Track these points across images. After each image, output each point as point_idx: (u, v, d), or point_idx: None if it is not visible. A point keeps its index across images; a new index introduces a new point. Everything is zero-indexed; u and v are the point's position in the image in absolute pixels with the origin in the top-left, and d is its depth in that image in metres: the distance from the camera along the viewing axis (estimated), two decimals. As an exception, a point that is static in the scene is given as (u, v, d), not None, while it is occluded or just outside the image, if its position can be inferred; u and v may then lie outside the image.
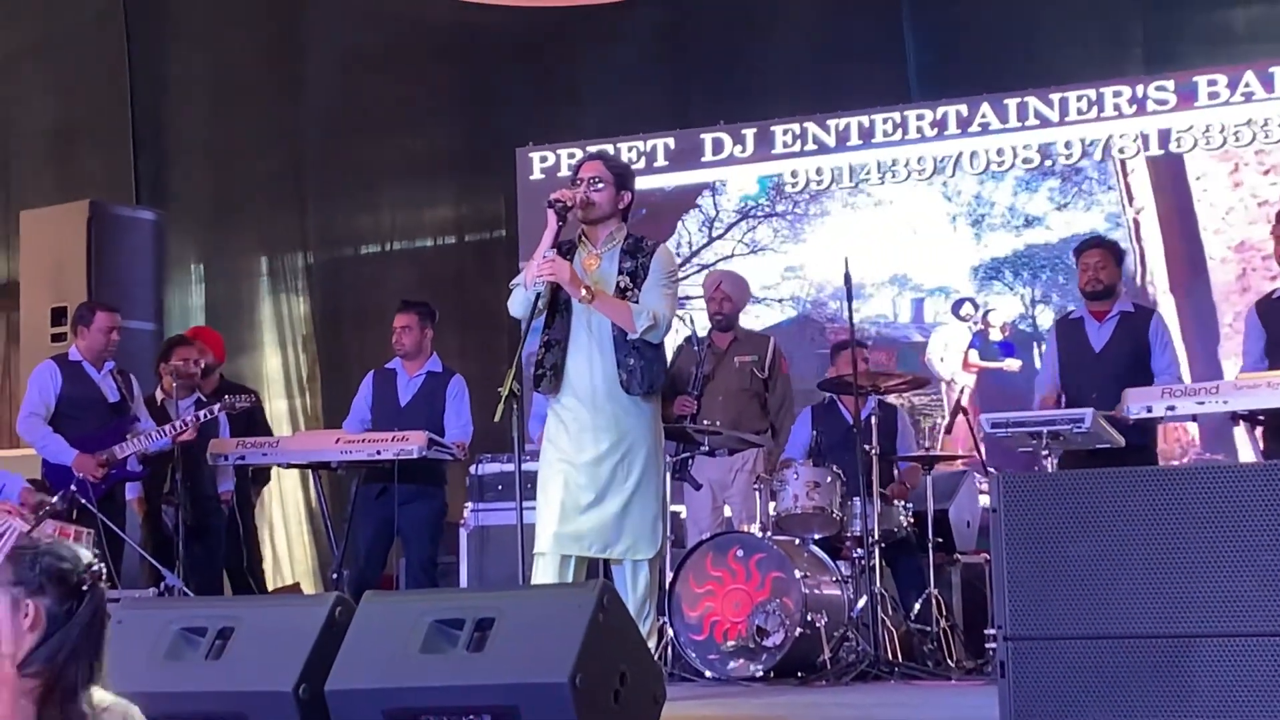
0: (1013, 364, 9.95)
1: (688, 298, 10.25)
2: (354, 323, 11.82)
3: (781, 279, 10.54)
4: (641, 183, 10.54)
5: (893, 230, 10.28)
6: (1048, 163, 9.89)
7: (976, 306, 10.09)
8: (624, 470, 5.67)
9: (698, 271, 10.52)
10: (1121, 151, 9.72)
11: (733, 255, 10.68)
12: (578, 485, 5.65)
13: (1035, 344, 9.74)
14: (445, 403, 7.99)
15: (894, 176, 10.21)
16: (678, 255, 10.66)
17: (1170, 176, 9.70)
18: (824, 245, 10.35)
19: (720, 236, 10.75)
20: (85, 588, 2.77)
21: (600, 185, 5.76)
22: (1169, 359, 7.34)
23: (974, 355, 10.06)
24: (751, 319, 10.36)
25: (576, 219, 5.77)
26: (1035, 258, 9.90)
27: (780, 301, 10.51)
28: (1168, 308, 9.39)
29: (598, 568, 5.99)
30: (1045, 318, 9.73)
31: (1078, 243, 7.94)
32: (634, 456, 5.69)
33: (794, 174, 10.46)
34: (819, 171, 10.39)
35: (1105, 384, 6.98)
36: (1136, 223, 9.76)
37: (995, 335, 10.02)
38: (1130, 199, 9.78)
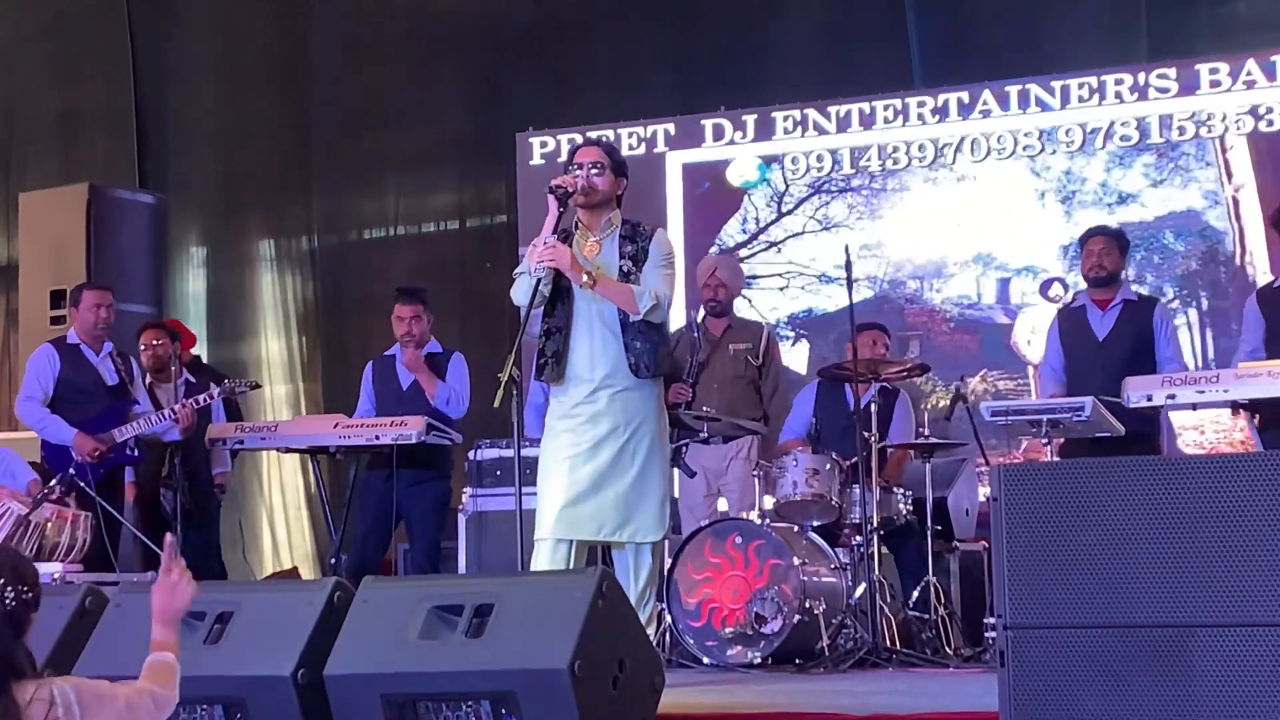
0: None
1: (754, 277, 9.98)
2: (356, 308, 11.80)
3: (857, 257, 9.88)
4: (702, 154, 10.41)
5: (977, 207, 9.84)
6: (1132, 137, 9.49)
7: (1066, 287, 9.57)
8: (629, 453, 5.68)
9: (765, 249, 10.22)
10: (1209, 130, 9.34)
11: (803, 232, 10.22)
12: (583, 469, 5.64)
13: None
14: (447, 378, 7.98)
15: (894, 163, 10.07)
16: (743, 231, 10.43)
17: (1271, 154, 9.28)
18: (903, 223, 9.91)
19: (790, 212, 10.27)
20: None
21: (601, 170, 5.76)
22: (1174, 349, 7.35)
23: None
24: (824, 299, 10.10)
25: (577, 204, 5.77)
26: (1129, 236, 9.14)
27: (855, 281, 9.97)
28: (1268, 290, 9.19)
29: (597, 555, 5.98)
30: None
31: (1083, 231, 7.89)
32: (640, 440, 5.70)
33: (794, 160, 10.30)
34: (819, 158, 10.27)
35: (1108, 372, 6.98)
36: (1235, 200, 9.33)
37: None
38: (1229, 176, 9.35)
